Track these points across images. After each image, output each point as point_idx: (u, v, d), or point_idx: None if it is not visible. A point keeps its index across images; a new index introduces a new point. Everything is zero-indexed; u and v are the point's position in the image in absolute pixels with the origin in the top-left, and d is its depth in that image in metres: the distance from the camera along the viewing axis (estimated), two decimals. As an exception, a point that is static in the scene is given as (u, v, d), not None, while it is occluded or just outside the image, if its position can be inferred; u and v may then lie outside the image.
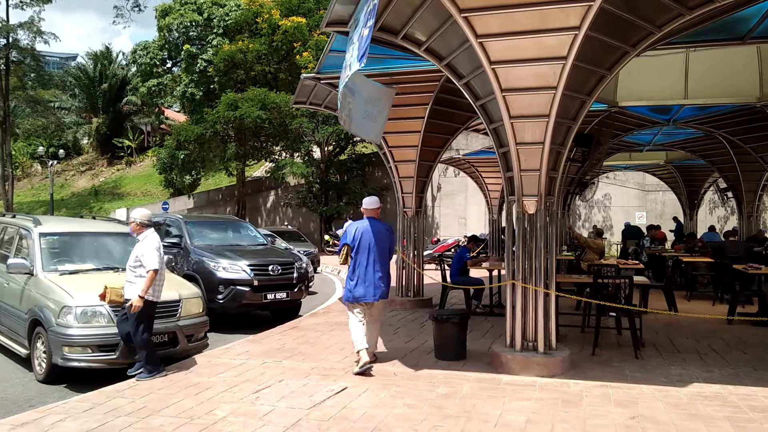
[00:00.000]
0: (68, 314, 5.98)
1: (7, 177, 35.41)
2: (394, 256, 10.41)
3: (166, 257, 9.03)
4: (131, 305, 5.69)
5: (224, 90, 26.34)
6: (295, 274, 9.84)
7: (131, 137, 47.26)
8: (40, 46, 37.05)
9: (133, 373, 5.81)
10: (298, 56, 25.04)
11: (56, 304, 6.07)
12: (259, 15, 26.97)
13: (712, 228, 17.56)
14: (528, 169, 6.09)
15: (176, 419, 4.64)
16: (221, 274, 9.23)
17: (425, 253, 12.55)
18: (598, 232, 11.81)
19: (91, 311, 6.02)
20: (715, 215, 24.86)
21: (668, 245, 17.29)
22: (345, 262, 6.37)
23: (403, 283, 10.50)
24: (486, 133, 11.26)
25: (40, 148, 38.05)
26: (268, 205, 31.92)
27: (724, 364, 6.48)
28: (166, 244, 10.05)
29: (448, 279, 9.75)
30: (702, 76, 9.84)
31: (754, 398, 5.27)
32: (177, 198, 34.86)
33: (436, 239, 23.06)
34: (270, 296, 9.42)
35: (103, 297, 5.85)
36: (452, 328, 6.58)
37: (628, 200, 26.39)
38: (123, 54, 49.07)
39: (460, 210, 27.15)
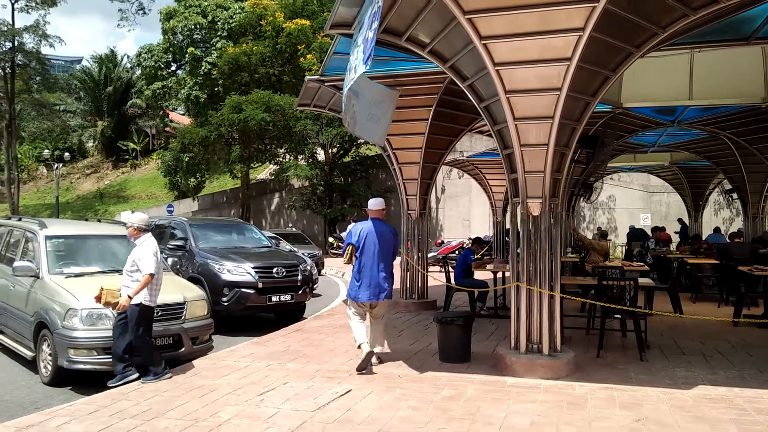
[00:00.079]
0: (74, 317, 6.01)
1: (13, 180, 35.60)
2: (398, 258, 10.44)
3: (170, 260, 9.12)
4: (116, 303, 5.67)
5: (228, 92, 26.41)
6: (299, 277, 9.86)
7: (136, 140, 47.45)
8: (45, 50, 37.32)
9: (112, 384, 5.65)
10: (302, 59, 25.11)
11: (62, 306, 6.10)
12: (263, 17, 27.06)
13: (717, 229, 17.50)
14: (532, 170, 6.08)
15: (181, 421, 4.65)
16: (226, 276, 9.25)
17: (429, 255, 12.55)
18: (602, 234, 11.79)
19: (96, 314, 6.04)
20: (720, 217, 24.75)
21: (673, 247, 17.24)
22: (349, 261, 6.45)
23: (408, 285, 10.49)
24: (490, 135, 11.27)
25: (46, 151, 38.23)
26: (273, 207, 31.97)
27: (729, 367, 6.45)
28: (170, 246, 10.14)
29: (453, 281, 9.74)
30: (707, 77, 9.81)
31: (760, 400, 5.24)
32: (181, 201, 34.97)
33: (440, 241, 23.03)
34: (274, 299, 9.44)
35: (98, 299, 5.80)
36: (457, 331, 6.57)
37: (632, 202, 26.31)
38: (128, 57, 49.45)
39: (464, 212, 27.13)
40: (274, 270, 9.58)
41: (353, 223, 7.02)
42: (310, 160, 26.54)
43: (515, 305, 6.25)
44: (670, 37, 6.07)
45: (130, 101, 46.69)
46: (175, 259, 9.92)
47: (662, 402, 5.17)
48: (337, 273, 18.33)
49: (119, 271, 6.96)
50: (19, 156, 43.27)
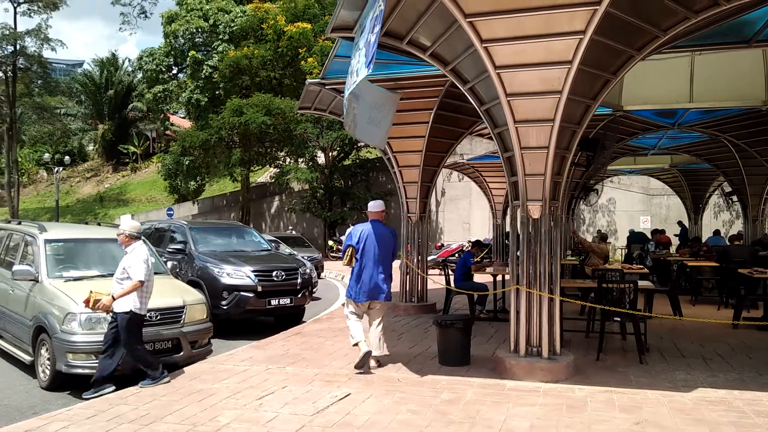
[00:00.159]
0: (73, 321, 6.00)
1: (13, 183, 35.63)
2: (398, 261, 10.43)
3: (170, 263, 9.11)
4: (96, 302, 5.63)
5: (229, 96, 26.44)
6: (298, 280, 9.85)
7: (136, 143, 47.51)
8: (47, 53, 37.43)
9: (88, 397, 5.53)
10: (303, 62, 25.14)
11: (61, 310, 6.09)
12: (265, 21, 27.10)
13: (717, 232, 17.48)
14: (532, 173, 6.08)
15: (180, 426, 4.64)
16: (225, 280, 9.24)
17: (429, 258, 12.54)
18: (602, 237, 11.77)
19: (95, 318, 6.02)
20: (720, 219, 24.74)
21: (673, 249, 17.24)
22: (349, 263, 6.52)
23: (407, 289, 10.48)
24: (490, 138, 11.28)
25: (46, 155, 38.25)
26: (273, 210, 31.98)
27: (729, 369, 6.43)
28: (170, 250, 10.14)
29: (452, 284, 9.72)
30: (707, 80, 9.81)
31: (760, 403, 5.23)
32: (181, 204, 34.98)
33: (440, 244, 23.03)
34: (274, 302, 9.43)
35: (87, 302, 5.74)
36: (456, 334, 6.56)
37: (632, 204, 26.30)
38: (129, 60, 49.50)
39: (464, 215, 27.12)
40: (274, 273, 9.57)
41: (352, 226, 7.08)
42: (311, 163, 26.56)
43: (515, 308, 6.24)
44: (671, 40, 6.07)
45: (131, 105, 46.73)
46: (175, 263, 9.91)
47: (662, 405, 5.16)
48: (336, 276, 18.32)
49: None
50: (20, 159, 43.31)
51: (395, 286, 8.96)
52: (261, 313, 9.73)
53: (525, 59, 5.76)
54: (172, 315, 6.59)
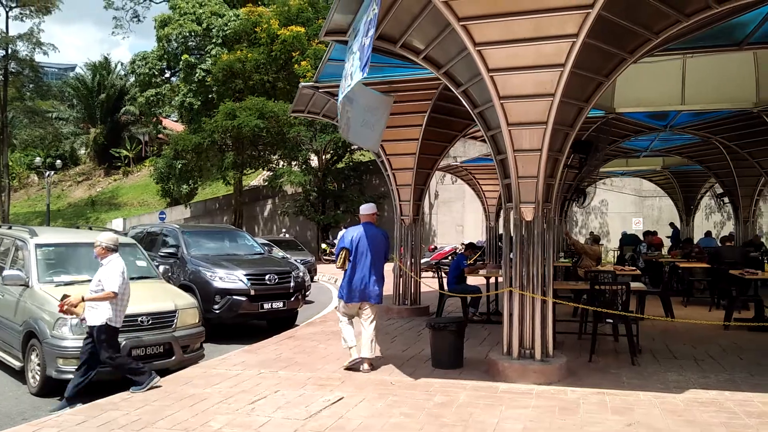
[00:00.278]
0: (63, 326, 5.96)
1: (4, 188, 35.43)
2: (391, 263, 10.42)
3: (162, 267, 9.05)
4: (63, 305, 5.53)
5: (222, 99, 26.39)
6: (291, 283, 9.82)
7: (129, 147, 47.30)
8: (39, 57, 37.32)
9: (57, 410, 5.37)
10: (296, 65, 25.12)
11: (51, 315, 6.04)
12: (258, 25, 27.08)
13: (708, 233, 17.57)
14: (526, 176, 6.09)
15: (171, 431, 4.61)
16: (218, 284, 9.20)
17: (422, 260, 12.54)
18: (595, 239, 11.79)
19: (86, 322, 5.97)
20: (712, 221, 24.88)
21: (665, 251, 17.31)
22: (342, 266, 6.59)
23: (401, 291, 10.47)
24: (484, 141, 11.28)
25: (37, 159, 38.01)
26: (266, 213, 31.90)
27: (720, 370, 6.46)
28: (162, 254, 10.08)
29: (445, 287, 9.72)
30: (699, 82, 9.88)
31: (751, 404, 5.25)
32: (174, 207, 34.85)
33: (433, 247, 23.03)
34: (267, 306, 9.39)
35: (61, 308, 5.61)
36: (449, 336, 6.56)
37: (625, 206, 26.41)
38: (122, 64, 49.33)
39: (458, 217, 27.15)
40: (267, 277, 9.54)
41: (345, 229, 7.12)
42: (304, 166, 26.53)
43: (508, 310, 6.24)
44: (663, 43, 6.11)
45: (124, 108, 46.53)
46: (167, 267, 9.85)
47: (654, 406, 5.17)
48: (330, 279, 18.28)
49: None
50: (11, 163, 43.04)
51: (389, 288, 8.96)
52: (254, 317, 9.69)
53: (518, 62, 5.78)
54: (163, 319, 6.56)
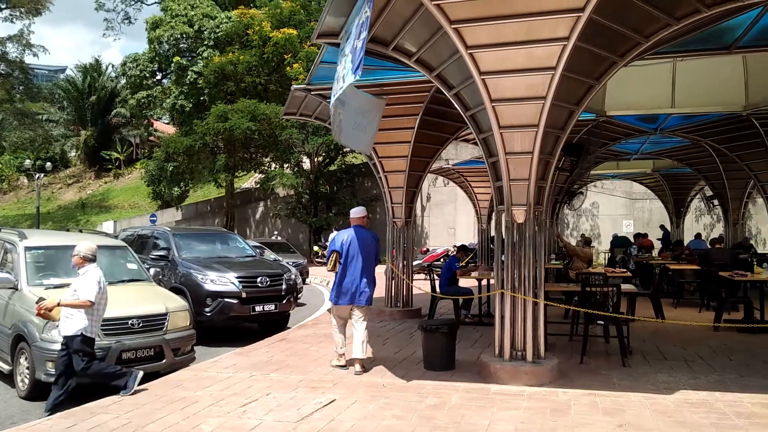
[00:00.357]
0: (53, 329, 5.90)
1: (-7, 190, 35.12)
2: (384, 266, 10.42)
3: (153, 270, 9.00)
4: (40, 309, 5.49)
5: (214, 102, 26.31)
6: (283, 286, 9.79)
7: (119, 149, 47.05)
8: (28, 59, 37.12)
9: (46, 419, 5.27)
10: (288, 68, 25.11)
11: (40, 319, 5.98)
12: (250, 27, 27.05)
13: (698, 236, 17.70)
14: (517, 178, 6.12)
15: (162, 434, 4.59)
16: (209, 286, 9.17)
17: (414, 263, 12.54)
18: (586, 241, 11.85)
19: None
20: (702, 223, 25.05)
21: (655, 253, 17.41)
22: (333, 269, 6.65)
23: (393, 294, 10.46)
24: (475, 143, 11.34)
25: (27, 161, 37.75)
26: (257, 216, 31.82)
27: (710, 371, 6.50)
28: (153, 256, 10.03)
29: (437, 289, 9.74)
30: (689, 86, 9.96)
31: (740, 404, 5.29)
32: (165, 210, 34.70)
33: (425, 249, 23.06)
34: (258, 308, 9.36)
35: (39, 311, 5.56)
36: (441, 338, 6.56)
37: (615, 209, 26.55)
38: (113, 66, 49.08)
39: (450, 220, 27.20)
40: (258, 279, 9.51)
41: (335, 232, 7.17)
42: (296, 168, 26.49)
43: (499, 312, 6.25)
44: (654, 46, 6.16)
45: (115, 110, 46.31)
46: (158, 270, 9.80)
47: (644, 407, 5.20)
48: (322, 282, 18.25)
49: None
50: (0, 166, 42.73)
51: (381, 291, 8.96)
52: (245, 320, 9.65)
53: (510, 65, 5.81)
54: (154, 322, 6.52)
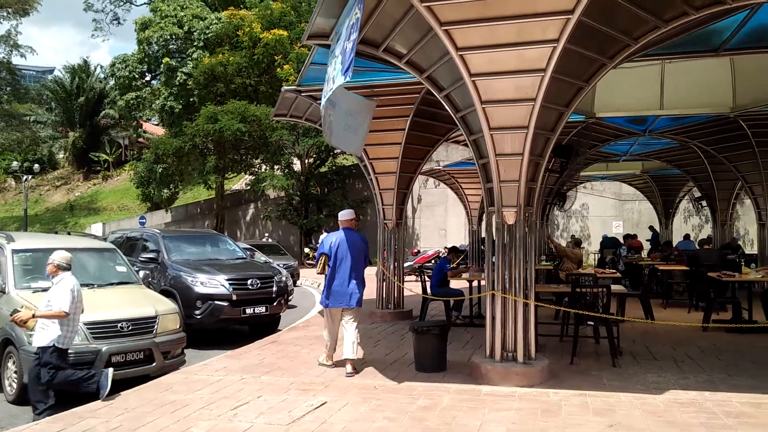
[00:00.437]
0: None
1: (-20, 192, 34.72)
2: (375, 268, 10.41)
3: (142, 273, 8.95)
4: (17, 319, 5.43)
5: (204, 103, 26.19)
6: (274, 288, 9.76)
7: (108, 151, 46.67)
8: (16, 60, 36.77)
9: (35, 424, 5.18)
10: (279, 69, 25.04)
11: (28, 321, 5.92)
12: (240, 28, 26.95)
13: (687, 236, 17.83)
14: (507, 180, 6.14)
15: (152, 438, 4.55)
16: (199, 289, 9.12)
17: (405, 264, 12.55)
18: (576, 242, 11.91)
19: (64, 328, 5.86)
20: (690, 224, 25.25)
21: (644, 254, 17.52)
22: (322, 271, 6.70)
23: (384, 295, 10.46)
24: (466, 145, 11.34)
25: (15, 163, 37.34)
26: (248, 218, 31.70)
27: (699, 371, 6.55)
28: (142, 259, 9.96)
29: (429, 290, 9.74)
30: (677, 88, 10.04)
31: (729, 404, 5.33)
32: (154, 212, 34.48)
33: (416, 251, 23.07)
34: (249, 311, 9.32)
35: (14, 319, 5.52)
36: (432, 340, 6.56)
37: (605, 210, 26.71)
38: (101, 67, 48.61)
39: (441, 221, 27.23)
40: (249, 282, 9.47)
41: (325, 234, 7.21)
42: (286, 170, 26.41)
43: (490, 314, 6.27)
44: (642, 49, 6.20)
45: (103, 112, 45.94)
46: (147, 272, 9.74)
47: (634, 407, 5.23)
48: (313, 284, 18.21)
49: (89, 285, 6.84)
50: (-13, 168, 42.26)
51: (371, 292, 8.95)
52: (236, 322, 9.61)
53: (500, 67, 5.83)
54: (144, 325, 6.49)
